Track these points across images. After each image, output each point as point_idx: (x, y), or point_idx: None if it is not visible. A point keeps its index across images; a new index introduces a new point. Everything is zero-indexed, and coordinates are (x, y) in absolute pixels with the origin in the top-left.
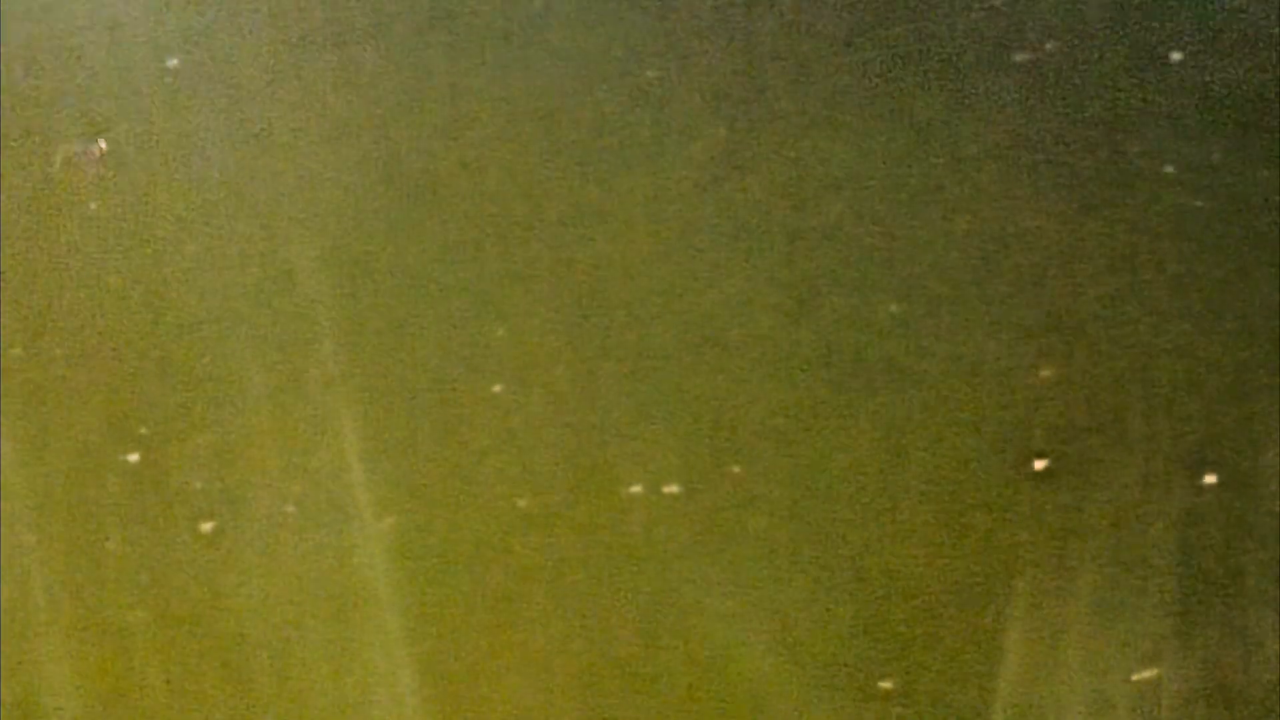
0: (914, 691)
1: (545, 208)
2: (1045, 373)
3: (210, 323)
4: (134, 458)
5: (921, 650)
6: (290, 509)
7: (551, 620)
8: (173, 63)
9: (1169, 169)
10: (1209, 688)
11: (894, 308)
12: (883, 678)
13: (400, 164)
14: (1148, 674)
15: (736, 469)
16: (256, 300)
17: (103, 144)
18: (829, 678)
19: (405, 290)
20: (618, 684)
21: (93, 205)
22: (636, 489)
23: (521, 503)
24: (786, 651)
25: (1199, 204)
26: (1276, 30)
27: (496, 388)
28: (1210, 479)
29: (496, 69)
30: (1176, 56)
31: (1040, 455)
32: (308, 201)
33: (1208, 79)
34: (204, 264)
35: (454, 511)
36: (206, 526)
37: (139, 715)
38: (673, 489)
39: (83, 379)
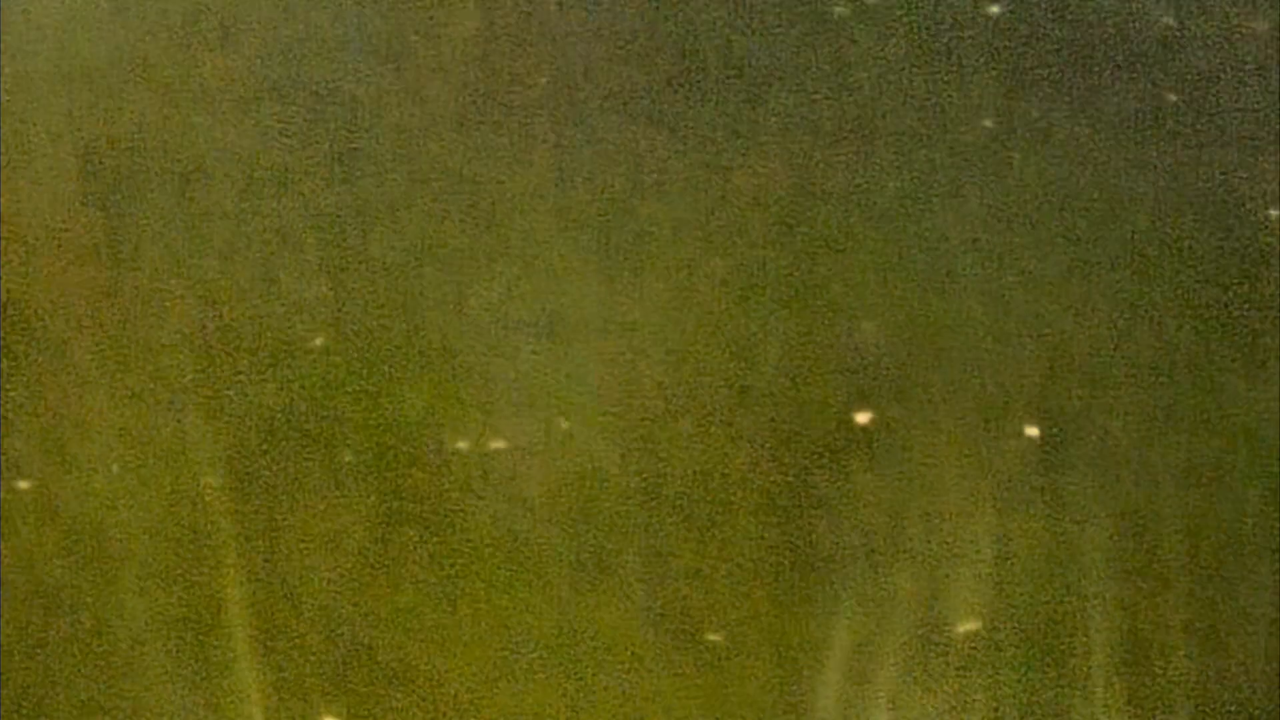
0: (741, 644)
1: (383, 160)
2: (868, 325)
3: (34, 274)
4: None
5: (749, 603)
6: (113, 467)
7: (379, 575)
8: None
9: (987, 122)
10: (1032, 641)
11: (718, 263)
12: (711, 630)
13: (248, 107)
14: (971, 626)
15: (564, 424)
16: (86, 257)
17: None
18: (656, 630)
19: (230, 242)
20: (439, 636)
21: None
22: (462, 444)
23: (346, 457)
24: (613, 605)
25: (1016, 156)
26: None
27: (318, 340)
28: (1032, 431)
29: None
30: (995, 10)
31: (863, 408)
32: (144, 147)
33: (1026, 32)
34: (36, 223)
35: (277, 467)
36: (23, 485)
37: None
38: (499, 444)
39: None
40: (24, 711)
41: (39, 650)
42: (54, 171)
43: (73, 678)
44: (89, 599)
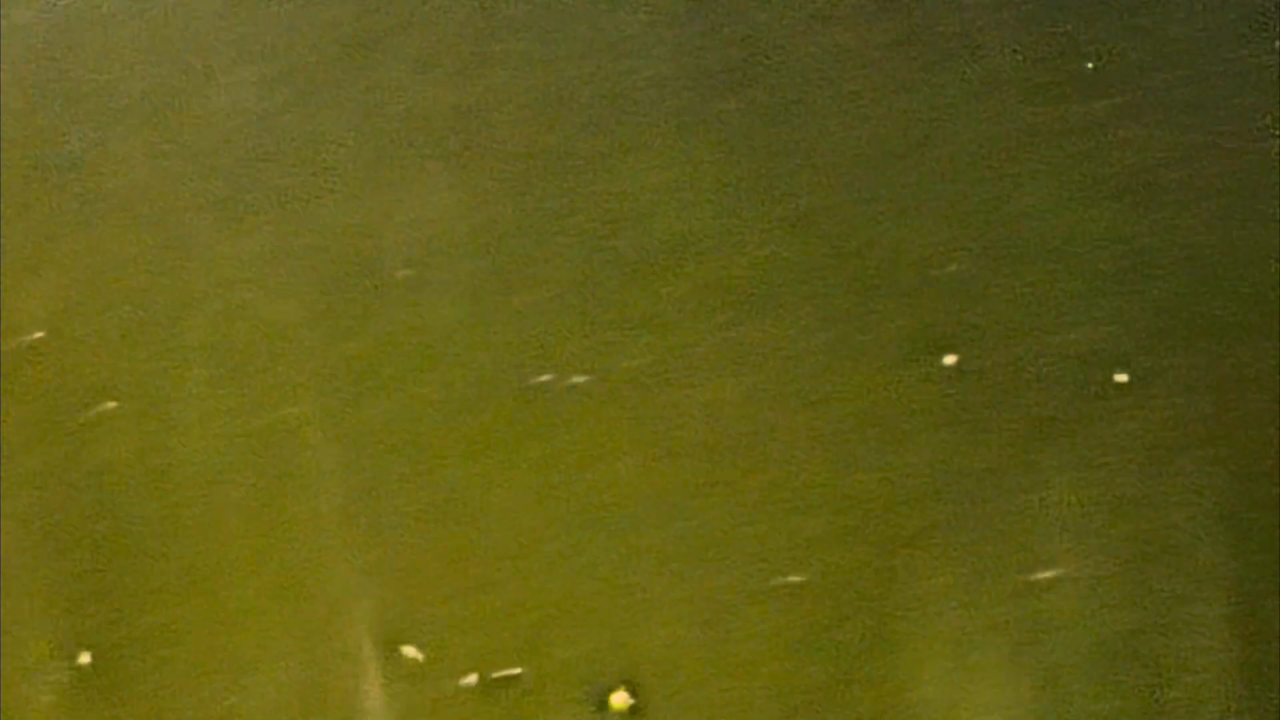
0: (822, 585)
1: (464, 99)
2: (953, 267)
3: (110, 199)
4: (39, 335)
5: (829, 546)
6: (194, 390)
7: (459, 509)
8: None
9: (1089, 64)
10: (1115, 587)
11: (805, 202)
12: (792, 572)
13: (301, 51)
14: (1048, 574)
15: (639, 361)
16: (165, 184)
17: None
18: (738, 570)
19: (310, 173)
20: (517, 570)
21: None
22: (546, 378)
23: (430, 389)
24: (693, 544)
25: (1114, 101)
26: None
27: (403, 272)
28: (1122, 377)
29: None
30: None
31: (950, 351)
32: (212, 78)
33: None
34: (109, 151)
35: (362, 398)
36: (110, 405)
37: (45, 595)
38: (579, 379)
39: None
40: (105, 634)
41: (123, 572)
42: (125, 104)
43: (157, 601)
44: (173, 523)
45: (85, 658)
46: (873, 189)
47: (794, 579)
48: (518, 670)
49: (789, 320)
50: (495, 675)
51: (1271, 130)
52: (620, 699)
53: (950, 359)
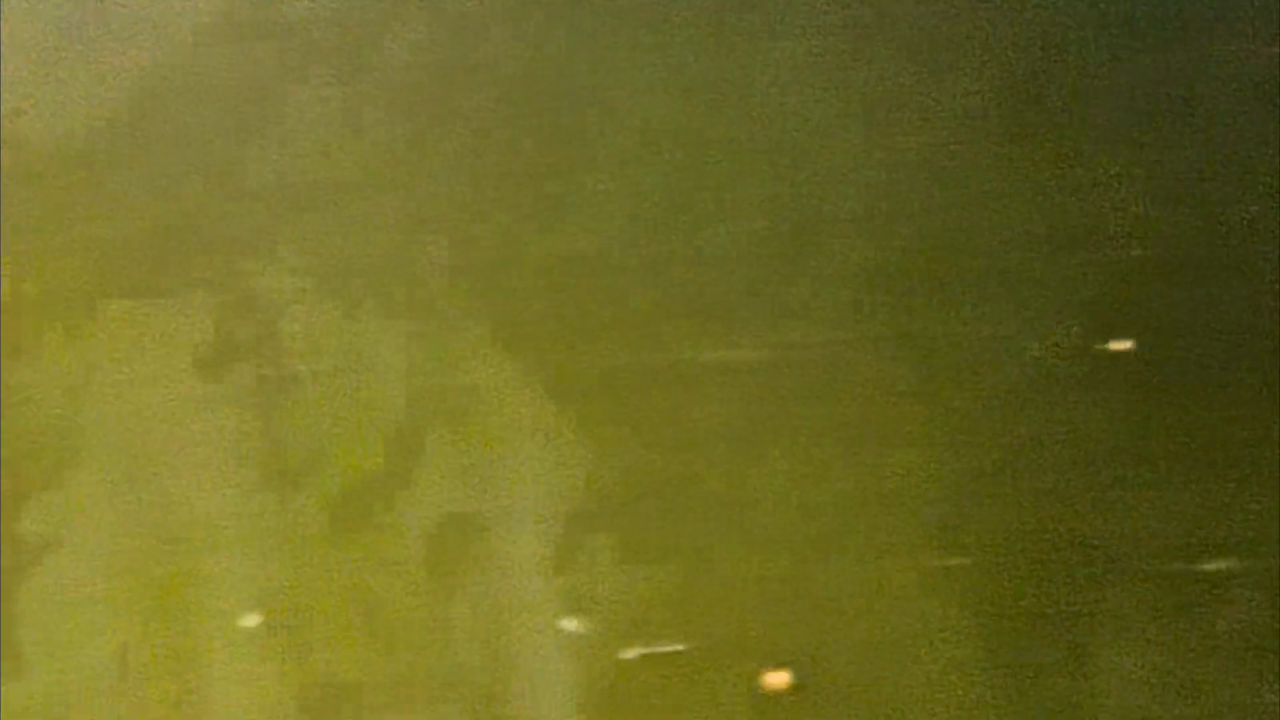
0: (980, 568)
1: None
2: (1136, 251)
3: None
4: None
5: (996, 530)
6: (390, 346)
7: (633, 478)
8: None
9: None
10: None
11: (979, 180)
12: (957, 555)
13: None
14: (1221, 564)
15: (812, 339)
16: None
17: None
18: (906, 555)
19: (461, 149)
20: (689, 541)
21: None
22: (709, 356)
23: (580, 361)
24: (863, 529)
25: None
26: None
27: (591, 243)
28: None
29: None
30: None
31: (1121, 335)
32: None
33: None
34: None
35: (548, 367)
36: (301, 367)
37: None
38: (753, 355)
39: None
40: (279, 594)
41: (307, 533)
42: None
43: (335, 562)
44: (360, 483)
45: (255, 619)
46: (1051, 166)
47: (958, 561)
48: (680, 646)
49: (961, 300)
50: (656, 650)
51: None
52: (781, 679)
53: (1124, 344)
